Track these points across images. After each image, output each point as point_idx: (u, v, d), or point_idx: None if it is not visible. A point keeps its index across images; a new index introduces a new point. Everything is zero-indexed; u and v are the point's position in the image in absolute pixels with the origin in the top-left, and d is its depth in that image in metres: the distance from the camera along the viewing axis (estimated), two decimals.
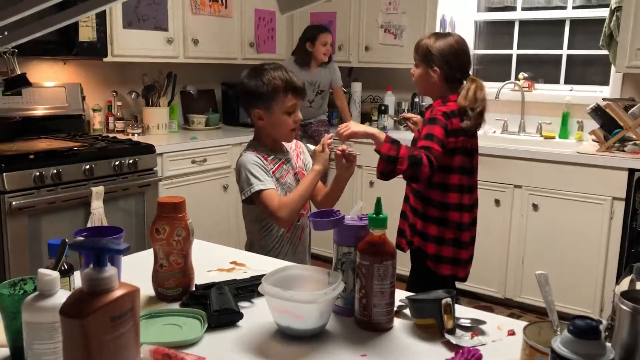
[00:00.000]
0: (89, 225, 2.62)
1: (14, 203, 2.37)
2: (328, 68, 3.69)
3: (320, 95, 3.67)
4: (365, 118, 4.05)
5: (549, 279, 1.03)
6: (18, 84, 1.16)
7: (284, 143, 1.92)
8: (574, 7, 3.63)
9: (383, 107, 3.81)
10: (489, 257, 3.33)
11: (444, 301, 1.10)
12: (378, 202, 1.12)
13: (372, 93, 4.23)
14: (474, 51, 3.99)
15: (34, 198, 2.45)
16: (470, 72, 2.16)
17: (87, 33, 2.92)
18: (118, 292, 0.70)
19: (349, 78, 4.17)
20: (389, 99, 3.99)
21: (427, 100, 4.02)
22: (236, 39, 3.80)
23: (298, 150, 2.00)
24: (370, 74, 4.17)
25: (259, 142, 1.89)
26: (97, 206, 2.64)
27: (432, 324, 1.11)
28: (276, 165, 1.87)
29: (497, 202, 3.26)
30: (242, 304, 1.21)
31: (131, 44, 3.17)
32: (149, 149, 2.95)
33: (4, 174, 2.37)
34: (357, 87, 4.03)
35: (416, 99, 3.97)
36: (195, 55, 3.54)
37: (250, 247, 1.90)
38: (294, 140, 2.00)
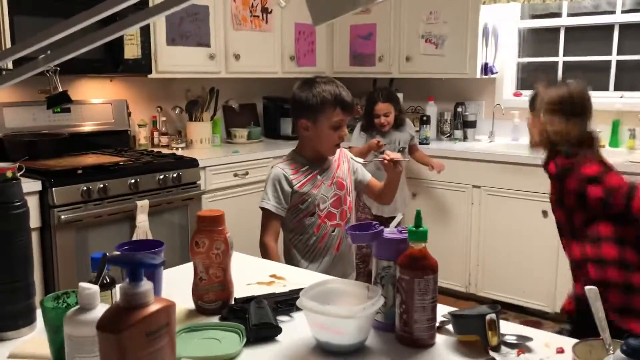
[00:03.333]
0: (134, 238, 2.67)
1: (62, 217, 2.44)
2: (403, 128, 3.47)
3: (402, 152, 3.41)
4: None
5: (599, 294, 0.98)
6: (60, 101, 1.19)
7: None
8: (623, 12, 3.52)
9: (425, 118, 3.77)
10: (537, 270, 3.24)
11: (488, 317, 1.07)
12: (418, 215, 1.10)
13: (413, 104, 4.19)
14: (518, 59, 3.91)
15: (82, 212, 2.52)
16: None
17: (132, 50, 3.00)
18: (154, 307, 0.70)
19: (390, 87, 4.14)
20: (431, 110, 3.95)
21: (471, 109, 3.96)
22: (277, 53, 3.83)
23: (342, 159, 2.01)
24: (411, 85, 4.14)
25: (300, 153, 1.95)
26: (142, 219, 2.69)
27: (476, 341, 1.07)
28: (307, 177, 1.90)
29: (544, 213, 3.17)
30: (281, 318, 1.20)
31: (175, 61, 3.24)
32: (193, 162, 3.00)
33: (53, 188, 2.45)
34: (399, 97, 3.99)
35: (459, 109, 3.91)
36: (237, 70, 3.58)
37: (285, 253, 1.96)
38: (341, 150, 2.02)
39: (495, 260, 3.40)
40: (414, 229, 1.09)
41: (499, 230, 3.36)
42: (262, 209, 1.90)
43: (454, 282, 3.54)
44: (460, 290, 3.54)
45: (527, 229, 3.24)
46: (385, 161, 1.83)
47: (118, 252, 0.97)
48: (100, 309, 0.86)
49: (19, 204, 1.08)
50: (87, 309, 0.85)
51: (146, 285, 0.71)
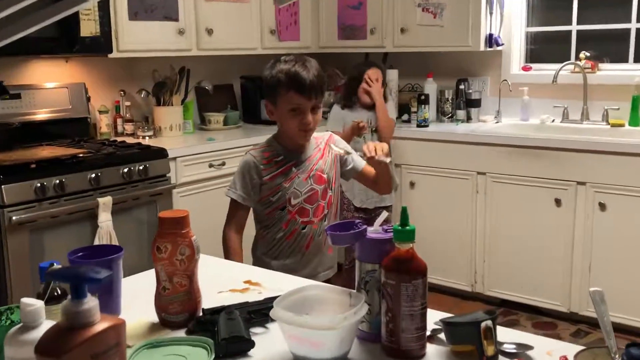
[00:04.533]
0: (96, 240, 2.67)
1: (14, 218, 2.44)
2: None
3: (376, 133, 3.44)
4: (403, 110, 4.01)
5: (604, 296, 0.99)
6: None
7: (318, 137, 2.00)
8: None
9: (423, 97, 3.77)
10: (551, 265, 3.27)
11: (483, 324, 1.08)
12: (404, 212, 1.10)
13: (410, 81, 4.19)
14: (526, 29, 3.92)
15: (36, 212, 2.51)
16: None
17: (89, 27, 2.98)
18: (100, 326, 0.71)
19: (384, 65, 4.14)
20: (430, 87, 3.95)
21: (475, 86, 3.97)
22: (255, 26, 3.81)
23: (328, 148, 2.02)
24: (407, 60, 4.13)
25: (277, 139, 2.00)
26: (104, 219, 2.69)
27: (471, 351, 1.09)
28: (280, 169, 1.94)
29: (557, 202, 3.19)
30: (254, 330, 1.21)
31: (138, 38, 3.22)
32: (161, 153, 2.99)
33: (3, 186, 2.44)
34: (393, 74, 4.00)
35: (461, 86, 3.92)
36: (210, 46, 3.57)
37: (252, 246, 2.04)
38: (330, 135, 2.06)
39: (503, 256, 3.43)
40: (400, 227, 1.09)
41: (507, 221, 3.38)
42: (230, 198, 1.97)
43: (458, 280, 3.57)
44: (466, 290, 3.56)
45: (539, 219, 3.27)
46: (366, 157, 1.85)
47: (58, 266, 0.97)
48: (45, 328, 0.86)
49: None
50: (31, 327, 0.85)
51: (90, 302, 0.71)
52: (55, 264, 1.05)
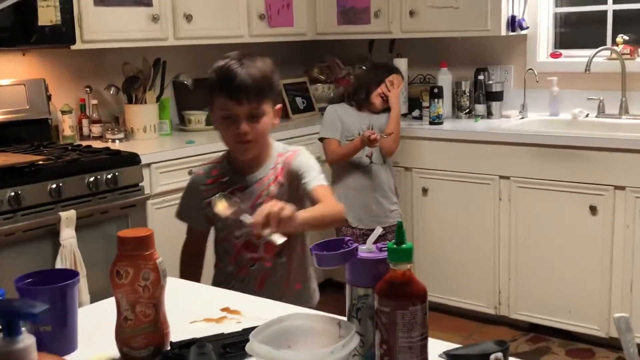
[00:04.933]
0: (58, 260, 2.68)
1: None
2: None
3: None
4: (414, 104, 4.02)
5: (631, 323, 0.99)
6: None
7: (281, 154, 1.96)
8: None
9: (437, 90, 3.77)
10: (586, 284, 3.26)
11: (493, 356, 1.08)
12: (399, 228, 1.10)
13: (421, 72, 4.20)
14: (555, 10, 3.92)
15: None
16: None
17: (48, 14, 2.99)
18: None
19: (391, 54, 4.15)
20: (444, 79, 3.96)
21: (496, 77, 3.97)
22: (241, 10, 3.83)
23: (286, 170, 1.92)
24: (418, 47, 4.13)
25: (230, 155, 1.97)
26: (67, 236, 2.70)
27: None
28: (226, 192, 1.88)
29: (592, 209, 3.19)
30: None
31: (106, 26, 3.23)
32: (133, 159, 3.00)
33: None
34: (401, 64, 4.00)
35: (480, 77, 3.92)
36: (189, 34, 3.58)
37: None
38: (292, 154, 1.94)
39: (531, 273, 3.42)
40: (395, 246, 1.09)
41: (535, 233, 3.38)
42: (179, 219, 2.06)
43: (480, 302, 3.57)
44: (488, 312, 3.56)
45: (572, 230, 3.26)
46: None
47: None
48: None
49: None
50: None
51: (27, 339, 0.72)
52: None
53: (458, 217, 3.58)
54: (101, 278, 2.59)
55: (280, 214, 1.57)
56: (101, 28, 3.22)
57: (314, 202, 1.86)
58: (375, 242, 1.18)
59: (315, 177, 1.90)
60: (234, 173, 1.94)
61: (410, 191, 3.69)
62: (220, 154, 2.01)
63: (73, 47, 3.15)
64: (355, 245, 1.17)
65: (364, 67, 3.87)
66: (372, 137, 3.15)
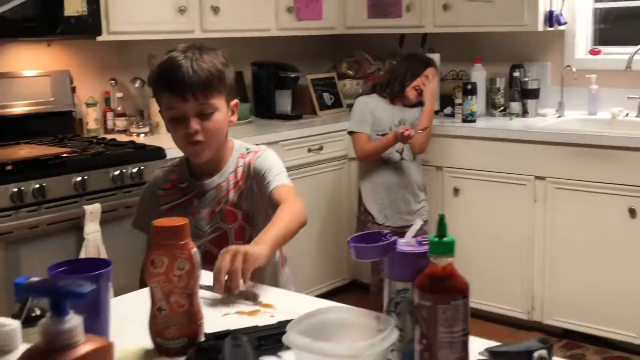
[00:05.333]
0: (82, 254, 2.71)
1: None
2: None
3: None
4: (446, 102, 4.01)
5: None
6: None
7: (243, 156, 1.88)
8: None
9: (470, 86, 3.77)
10: (624, 289, 3.24)
11: (537, 354, 1.09)
12: (441, 221, 1.11)
13: (454, 67, 4.19)
14: (594, 5, 3.90)
15: (12, 221, 2.56)
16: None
17: (74, 5, 3.03)
18: (84, 348, 0.73)
19: (422, 49, 4.15)
20: (478, 75, 3.95)
21: (532, 74, 3.95)
22: (269, 3, 3.85)
23: (248, 172, 1.86)
24: (450, 42, 4.13)
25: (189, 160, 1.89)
26: (92, 230, 2.73)
27: None
28: (180, 200, 1.86)
29: (632, 212, 3.17)
30: (264, 359, 1.22)
31: (132, 17, 3.27)
32: (158, 153, 3.03)
33: None
34: (434, 59, 4.00)
35: (516, 74, 3.91)
36: (216, 27, 3.61)
37: None
38: (253, 155, 1.87)
39: (567, 277, 3.40)
40: (437, 239, 1.10)
41: (571, 236, 3.36)
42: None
43: (512, 306, 3.56)
44: (521, 318, 3.55)
45: (610, 233, 3.24)
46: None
47: (35, 279, 1.00)
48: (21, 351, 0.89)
49: None
50: (5, 351, 0.88)
51: (74, 320, 0.74)
52: (33, 279, 1.08)
53: (490, 219, 3.57)
54: (124, 273, 2.61)
55: (237, 267, 1.46)
56: (127, 19, 3.26)
57: (273, 206, 1.76)
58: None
59: (274, 178, 1.81)
60: (191, 179, 1.86)
61: (440, 191, 3.69)
62: (179, 157, 1.94)
63: (99, 39, 3.19)
64: (394, 238, 1.18)
65: (397, 58, 3.82)
66: (405, 134, 3.15)
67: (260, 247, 1.55)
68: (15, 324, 0.89)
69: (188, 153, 1.82)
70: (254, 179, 1.85)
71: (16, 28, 2.88)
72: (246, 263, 1.47)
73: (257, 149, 1.91)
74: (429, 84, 3.39)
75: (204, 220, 1.84)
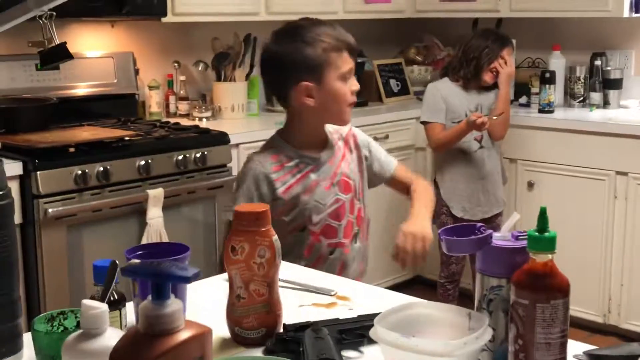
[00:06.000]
0: (144, 239, 2.75)
1: (50, 210, 2.54)
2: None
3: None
4: (521, 90, 3.95)
5: None
6: (56, 57, 1.24)
7: (333, 132, 1.97)
8: None
9: (548, 75, 3.71)
10: None
11: None
12: (542, 215, 1.08)
13: (531, 55, 4.13)
14: None
15: (75, 204, 2.61)
16: None
17: None
18: (184, 334, 0.73)
19: None
20: (557, 63, 3.89)
21: (615, 63, 3.86)
22: None
23: (350, 144, 2.00)
24: (528, 28, 4.08)
25: (286, 139, 1.94)
26: (154, 215, 2.77)
27: None
28: (296, 177, 1.90)
29: None
30: (346, 353, 1.21)
31: None
32: (222, 138, 3.06)
33: (38, 172, 2.55)
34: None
35: (597, 62, 3.83)
36: (282, 9, 3.61)
37: None
38: (350, 130, 2.02)
39: None
40: (537, 234, 1.08)
41: None
42: (229, 221, 1.87)
43: (587, 309, 3.49)
44: (596, 321, 3.49)
45: None
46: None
47: (135, 261, 1.01)
48: (109, 335, 0.90)
49: (1, 193, 1.13)
50: (93, 334, 0.89)
51: (175, 304, 0.74)
52: (116, 261, 1.09)
53: (567, 215, 3.51)
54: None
55: (418, 251, 1.82)
56: (192, 1, 3.29)
57: (399, 184, 2.08)
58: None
59: (387, 157, 2.08)
60: (300, 155, 1.92)
61: (514, 184, 3.64)
62: (269, 140, 1.99)
63: (163, 20, 3.23)
64: (489, 231, 1.16)
65: (471, 35, 3.54)
66: (478, 121, 3.09)
67: (428, 229, 1.86)
68: (103, 307, 0.90)
69: (346, 114, 1.92)
70: (361, 150, 2.02)
71: (81, 8, 2.91)
72: (424, 246, 1.82)
73: (344, 127, 2.02)
74: (506, 67, 3.30)
75: (324, 193, 1.92)
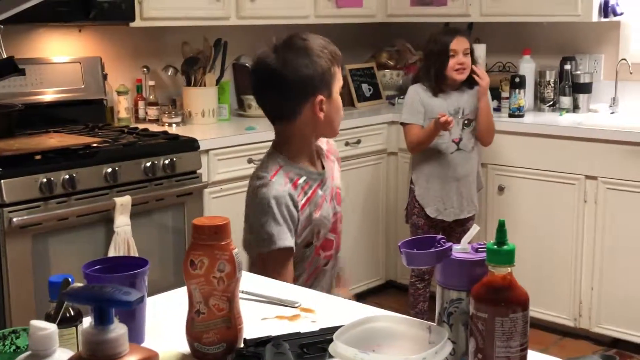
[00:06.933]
0: (111, 248, 2.72)
1: (14, 220, 2.50)
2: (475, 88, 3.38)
3: (468, 127, 3.35)
4: (492, 95, 3.93)
5: None
6: (4, 71, 1.21)
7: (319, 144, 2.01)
8: None
9: (518, 79, 3.72)
10: None
11: None
12: (501, 227, 1.08)
13: (501, 59, 4.15)
14: None
15: (41, 213, 2.57)
16: None
17: None
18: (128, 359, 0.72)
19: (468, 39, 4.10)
20: (527, 67, 3.90)
21: (585, 67, 3.89)
22: None
23: (332, 155, 2.07)
24: (498, 32, 4.09)
25: (287, 155, 1.91)
26: (122, 223, 2.74)
27: None
28: (308, 194, 1.90)
29: None
30: None
31: (166, 3, 3.28)
32: (191, 144, 3.04)
33: (2, 180, 2.51)
34: (480, 50, 3.95)
35: (567, 67, 3.85)
36: (252, 14, 3.60)
37: None
38: (327, 143, 2.06)
39: (617, 283, 3.35)
40: (495, 246, 1.07)
41: (623, 239, 3.31)
42: (279, 250, 1.82)
43: (558, 312, 3.51)
44: (567, 325, 3.50)
45: None
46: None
47: (76, 284, 0.99)
48: (58, 357, 0.88)
49: None
50: (42, 356, 0.87)
51: (118, 329, 0.72)
52: (70, 279, 1.07)
53: (537, 219, 3.53)
54: (154, 270, 2.62)
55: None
56: (161, 5, 3.26)
57: None
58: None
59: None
60: (306, 173, 1.92)
61: (484, 189, 3.64)
62: (268, 158, 1.94)
63: (132, 25, 3.20)
64: (449, 244, 1.16)
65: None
66: (442, 120, 3.06)
67: None
68: (52, 328, 0.88)
69: (338, 126, 1.97)
70: (337, 156, 2.09)
71: (47, 13, 2.88)
72: None
73: (323, 139, 2.05)
74: (484, 77, 3.27)
75: (328, 208, 1.95)
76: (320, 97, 1.85)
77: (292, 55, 1.84)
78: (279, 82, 1.85)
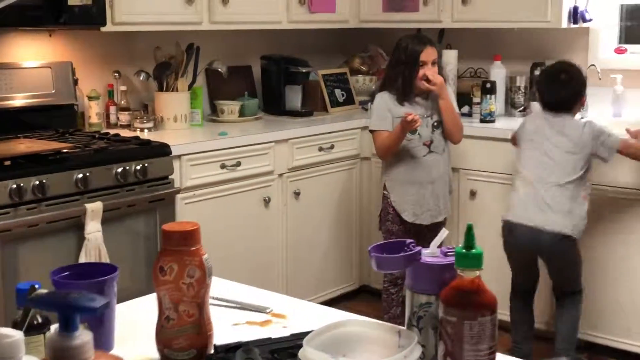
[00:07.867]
0: (82, 254, 2.70)
1: None
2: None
3: (438, 129, 3.34)
4: (463, 100, 3.98)
5: None
6: None
7: None
8: None
9: (489, 85, 3.75)
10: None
11: None
12: (469, 231, 1.09)
13: (472, 65, 4.18)
14: (621, 1, 3.87)
15: (10, 219, 2.55)
16: None
17: None
18: None
19: (440, 44, 4.12)
20: (497, 73, 3.93)
21: None
22: None
23: None
24: (469, 38, 4.12)
25: None
26: (93, 229, 2.72)
27: None
28: None
29: None
30: None
31: (138, 7, 3.26)
32: (163, 150, 3.03)
33: None
34: (450, 56, 3.98)
35: (537, 72, 3.88)
36: (225, 19, 3.59)
37: None
38: None
39: (589, 287, 3.37)
40: (464, 250, 1.08)
41: (598, 243, 3.33)
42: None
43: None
44: (538, 328, 3.51)
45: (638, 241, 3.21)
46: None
47: (42, 290, 0.98)
48: None
49: None
50: None
51: (84, 336, 0.72)
52: (36, 286, 1.06)
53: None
54: (126, 276, 2.61)
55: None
56: (133, 10, 3.24)
57: None
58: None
59: None
60: None
61: (456, 193, 3.66)
62: None
63: (103, 29, 3.18)
64: (418, 248, 1.16)
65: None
66: (409, 118, 3.06)
67: None
68: (18, 335, 0.87)
69: None
70: None
71: (17, 17, 2.87)
72: None
73: None
74: (435, 78, 3.21)
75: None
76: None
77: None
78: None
